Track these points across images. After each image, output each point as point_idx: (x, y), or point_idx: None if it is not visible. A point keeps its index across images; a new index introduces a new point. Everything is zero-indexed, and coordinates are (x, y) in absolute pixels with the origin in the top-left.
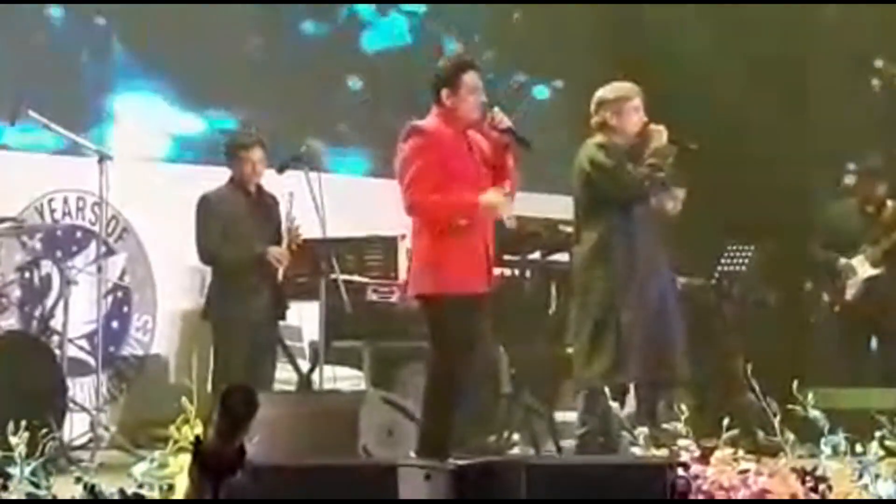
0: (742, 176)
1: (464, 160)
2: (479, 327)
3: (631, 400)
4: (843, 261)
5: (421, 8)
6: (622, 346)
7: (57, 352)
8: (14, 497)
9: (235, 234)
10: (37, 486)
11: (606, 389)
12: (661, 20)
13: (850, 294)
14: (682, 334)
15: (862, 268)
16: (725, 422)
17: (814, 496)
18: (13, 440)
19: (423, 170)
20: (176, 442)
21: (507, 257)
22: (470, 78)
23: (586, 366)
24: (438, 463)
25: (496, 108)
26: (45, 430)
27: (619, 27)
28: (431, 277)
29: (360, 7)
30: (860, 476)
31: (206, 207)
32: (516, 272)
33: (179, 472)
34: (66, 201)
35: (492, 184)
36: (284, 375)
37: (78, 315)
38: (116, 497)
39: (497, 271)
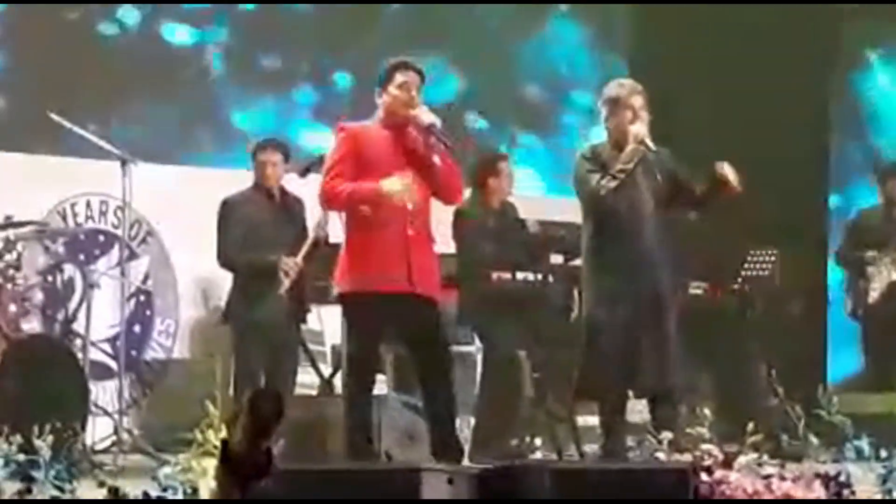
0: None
1: (380, 154)
2: (403, 328)
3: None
4: (871, 260)
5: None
6: (597, 359)
7: (79, 355)
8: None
9: (256, 238)
10: (61, 489)
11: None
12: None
13: (872, 297)
14: (675, 346)
15: (887, 270)
16: (749, 426)
17: None
18: (38, 443)
19: (337, 162)
20: (200, 445)
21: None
22: (401, 75)
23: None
24: (461, 467)
25: (422, 106)
26: (68, 434)
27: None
28: (348, 276)
29: None
30: (884, 481)
31: (228, 211)
32: (539, 276)
33: (203, 475)
34: (89, 205)
35: (422, 183)
36: (307, 379)
37: (100, 319)
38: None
39: (520, 275)
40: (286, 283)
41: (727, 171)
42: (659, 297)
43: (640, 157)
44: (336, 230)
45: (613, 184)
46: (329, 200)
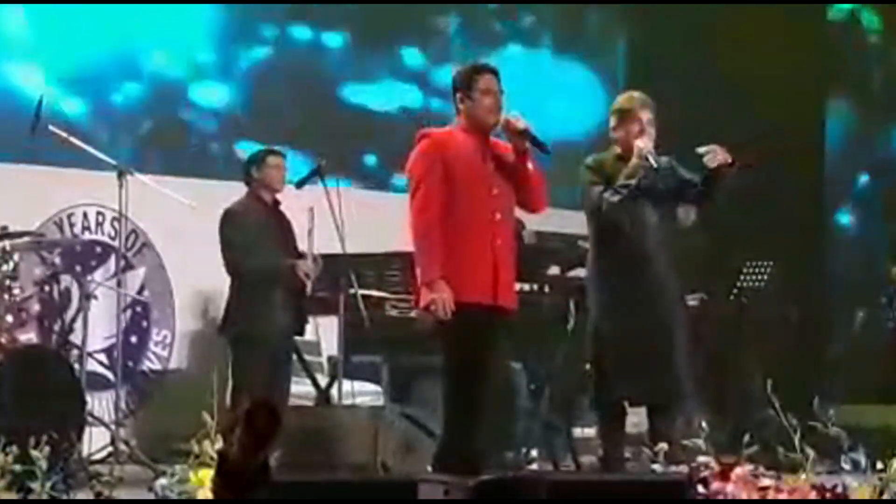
0: (761, 189)
1: (468, 163)
2: (490, 341)
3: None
4: None
5: None
6: (604, 370)
7: (76, 366)
8: None
9: (259, 245)
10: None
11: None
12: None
13: None
14: (683, 359)
15: None
16: (745, 438)
17: None
18: (34, 454)
19: (423, 178)
20: (197, 456)
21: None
22: (484, 80)
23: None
24: (457, 478)
25: (514, 111)
26: (65, 445)
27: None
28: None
29: None
30: (881, 493)
31: (231, 220)
32: (535, 287)
33: (200, 486)
34: (85, 216)
35: (510, 191)
36: (303, 390)
37: (97, 329)
38: None
39: (516, 286)
40: (308, 284)
41: (712, 152)
42: (667, 308)
43: (643, 172)
44: (327, 242)
45: (616, 198)
46: (423, 237)
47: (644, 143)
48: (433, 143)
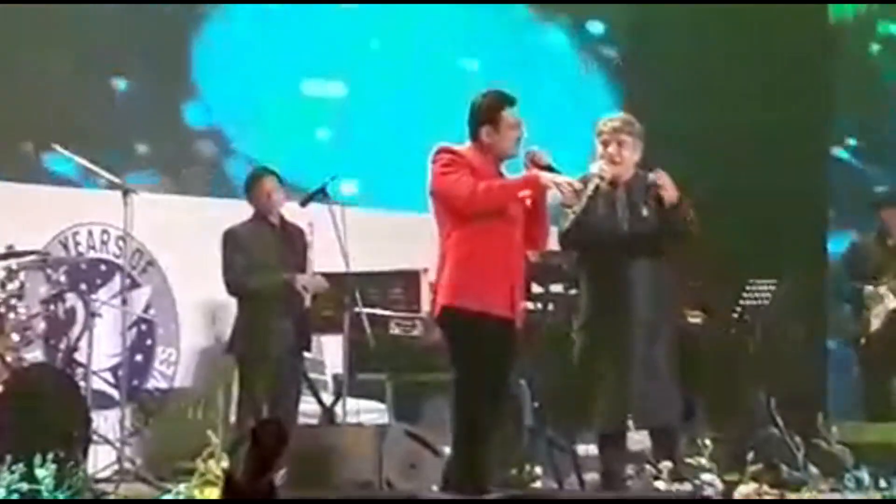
0: (762, 208)
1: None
2: (508, 356)
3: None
4: (869, 289)
5: None
6: (590, 391)
7: (81, 384)
8: None
9: (261, 265)
10: None
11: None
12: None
13: (875, 325)
14: (668, 382)
15: (887, 299)
16: (749, 456)
17: None
18: (40, 473)
19: (464, 174)
20: (202, 475)
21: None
22: (510, 113)
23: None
24: (462, 496)
25: (536, 146)
26: (70, 464)
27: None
28: (463, 290)
29: None
30: None
31: (232, 240)
32: (539, 305)
33: None
34: (90, 234)
35: (524, 222)
36: (308, 408)
37: (102, 348)
38: None
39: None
40: (307, 298)
41: (663, 187)
42: (649, 327)
43: (592, 192)
44: (330, 260)
45: (566, 222)
46: (482, 202)
47: (598, 164)
48: (457, 154)
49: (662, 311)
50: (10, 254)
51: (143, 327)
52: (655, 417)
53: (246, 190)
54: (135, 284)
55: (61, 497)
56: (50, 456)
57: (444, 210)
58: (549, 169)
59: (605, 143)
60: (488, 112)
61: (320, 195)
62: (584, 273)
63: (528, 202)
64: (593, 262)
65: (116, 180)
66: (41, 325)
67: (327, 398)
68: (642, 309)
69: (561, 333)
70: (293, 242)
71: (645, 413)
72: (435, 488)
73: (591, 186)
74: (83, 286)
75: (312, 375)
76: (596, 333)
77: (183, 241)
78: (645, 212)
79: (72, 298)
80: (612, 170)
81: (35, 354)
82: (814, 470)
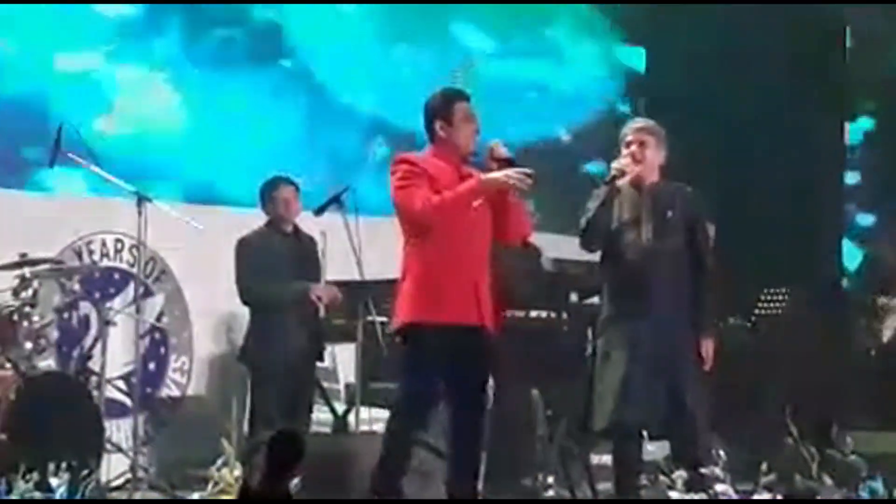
0: (777, 217)
1: (452, 188)
2: (474, 362)
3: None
4: (883, 300)
5: None
6: (603, 397)
7: (95, 393)
8: None
9: (275, 274)
10: None
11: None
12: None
13: (886, 336)
14: (693, 390)
15: None
16: (763, 466)
17: None
18: (53, 481)
19: (418, 187)
20: (216, 483)
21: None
22: (463, 107)
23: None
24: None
25: (496, 140)
26: (83, 472)
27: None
28: (417, 306)
29: None
30: None
31: (246, 249)
32: (553, 314)
33: None
34: (104, 243)
35: (490, 220)
36: (321, 417)
37: (115, 356)
38: None
39: (534, 313)
40: (321, 308)
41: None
42: (675, 336)
43: (604, 197)
44: (343, 269)
45: (583, 220)
46: (434, 215)
47: (615, 163)
48: (414, 164)
49: (683, 317)
50: (24, 262)
51: (157, 336)
52: (677, 426)
53: (262, 198)
54: (148, 293)
55: None
56: (63, 465)
57: (401, 222)
58: (509, 162)
59: (628, 144)
60: (440, 106)
61: (335, 204)
62: (605, 275)
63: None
64: (615, 265)
65: (131, 189)
66: (54, 334)
67: (340, 407)
68: (664, 314)
69: (576, 342)
70: (307, 252)
71: (665, 421)
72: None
73: (606, 188)
74: (97, 295)
75: (325, 384)
76: (615, 336)
77: (196, 249)
78: (669, 220)
79: (85, 307)
80: (634, 168)
81: (48, 363)
82: (828, 480)
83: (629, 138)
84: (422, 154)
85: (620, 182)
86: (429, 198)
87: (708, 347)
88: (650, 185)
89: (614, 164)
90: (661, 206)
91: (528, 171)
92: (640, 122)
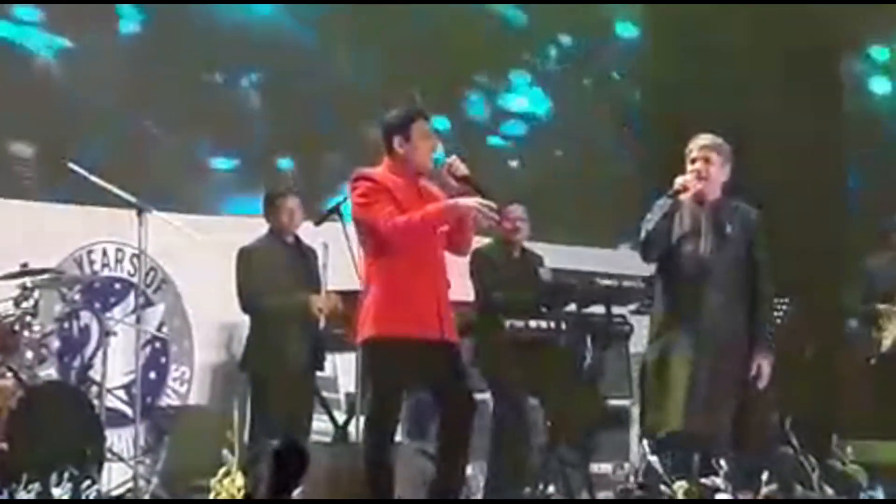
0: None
1: (412, 205)
2: (431, 375)
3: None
4: (882, 308)
5: None
6: (664, 403)
7: (95, 402)
8: None
9: (276, 284)
10: None
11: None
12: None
13: (885, 346)
14: (731, 396)
15: None
16: (763, 476)
17: None
18: (55, 491)
19: (381, 204)
20: (217, 494)
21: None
22: (421, 125)
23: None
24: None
25: (454, 156)
26: (85, 482)
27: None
28: (379, 320)
29: None
30: None
31: (247, 259)
32: (552, 325)
33: None
34: (105, 253)
35: (447, 235)
36: (321, 426)
37: (116, 366)
38: None
39: (533, 323)
40: (322, 319)
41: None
42: (730, 348)
43: (666, 210)
44: (344, 279)
45: (641, 234)
46: (402, 235)
47: (679, 179)
48: (373, 181)
49: (739, 331)
50: (25, 272)
51: (157, 345)
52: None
53: (265, 208)
54: (149, 303)
55: None
56: (65, 474)
57: (363, 239)
58: (466, 180)
59: (693, 161)
60: (399, 122)
61: (334, 214)
62: (660, 285)
63: None
64: (673, 275)
65: (131, 199)
66: (55, 343)
67: (340, 416)
68: (719, 324)
69: (575, 352)
70: (308, 262)
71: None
72: None
73: (668, 202)
74: (97, 304)
75: (325, 393)
76: (672, 341)
77: (197, 259)
78: (728, 236)
79: (86, 316)
80: (697, 184)
81: (49, 372)
82: (829, 490)
83: (694, 154)
84: (379, 169)
85: (683, 196)
86: (392, 217)
87: (763, 365)
88: (712, 200)
89: (678, 180)
90: (721, 222)
91: (492, 205)
92: (705, 138)
